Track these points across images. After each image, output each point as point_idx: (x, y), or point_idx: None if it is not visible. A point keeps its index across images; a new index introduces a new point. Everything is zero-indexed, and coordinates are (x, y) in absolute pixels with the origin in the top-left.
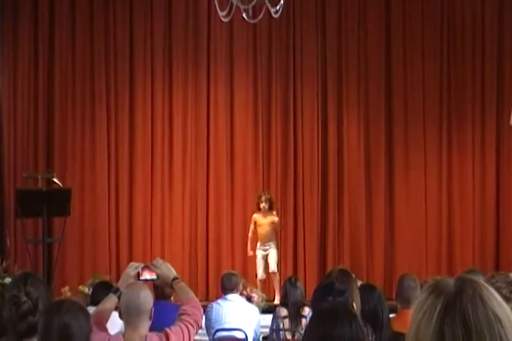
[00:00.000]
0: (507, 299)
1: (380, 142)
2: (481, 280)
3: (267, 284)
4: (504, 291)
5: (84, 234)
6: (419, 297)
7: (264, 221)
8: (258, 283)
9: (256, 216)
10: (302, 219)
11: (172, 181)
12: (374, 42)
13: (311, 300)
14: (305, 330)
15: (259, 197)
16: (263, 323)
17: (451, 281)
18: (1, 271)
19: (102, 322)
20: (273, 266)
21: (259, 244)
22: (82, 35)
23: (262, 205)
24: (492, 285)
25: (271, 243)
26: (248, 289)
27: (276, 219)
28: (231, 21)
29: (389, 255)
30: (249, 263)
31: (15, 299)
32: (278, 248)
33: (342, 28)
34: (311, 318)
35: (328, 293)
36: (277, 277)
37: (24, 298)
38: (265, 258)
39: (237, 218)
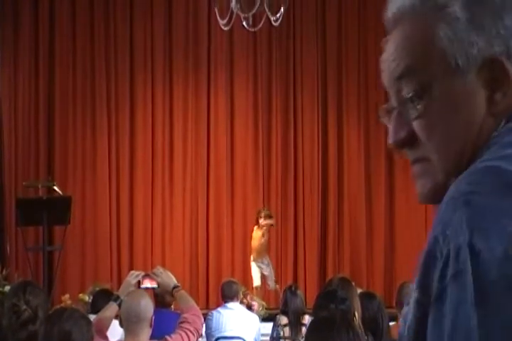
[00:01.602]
0: None
1: (380, 147)
2: None
3: (263, 291)
4: None
5: (85, 241)
6: None
7: (255, 235)
8: (254, 291)
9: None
10: (302, 226)
11: (172, 189)
12: (374, 48)
13: (312, 308)
14: (304, 338)
15: (259, 213)
16: (263, 331)
17: None
18: (1, 279)
19: (102, 330)
20: (272, 285)
21: (252, 257)
22: (83, 39)
23: (260, 221)
24: None
25: (263, 259)
26: (248, 297)
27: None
28: (231, 29)
29: (389, 262)
30: (249, 271)
31: (15, 308)
32: (270, 263)
33: (342, 36)
34: (309, 326)
35: (331, 300)
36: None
37: (24, 307)
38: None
39: (238, 226)
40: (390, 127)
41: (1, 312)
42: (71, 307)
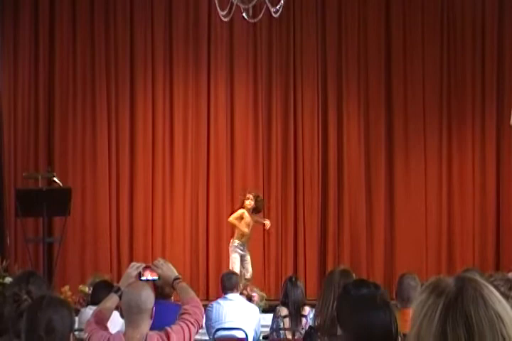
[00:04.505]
0: (506, 296)
1: (380, 141)
2: (480, 278)
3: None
4: (502, 289)
5: (85, 233)
6: (419, 297)
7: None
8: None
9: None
10: (302, 219)
11: (173, 180)
12: (374, 40)
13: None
14: (341, 317)
15: (247, 195)
16: (263, 322)
17: (451, 280)
18: (1, 271)
19: (103, 321)
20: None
21: (245, 243)
22: (83, 34)
23: (248, 202)
24: (490, 283)
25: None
26: (248, 288)
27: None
28: (231, 21)
29: (389, 254)
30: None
31: (15, 297)
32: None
33: (342, 27)
34: (346, 305)
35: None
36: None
37: (25, 296)
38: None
39: None
40: None
41: (1, 303)
42: (50, 295)
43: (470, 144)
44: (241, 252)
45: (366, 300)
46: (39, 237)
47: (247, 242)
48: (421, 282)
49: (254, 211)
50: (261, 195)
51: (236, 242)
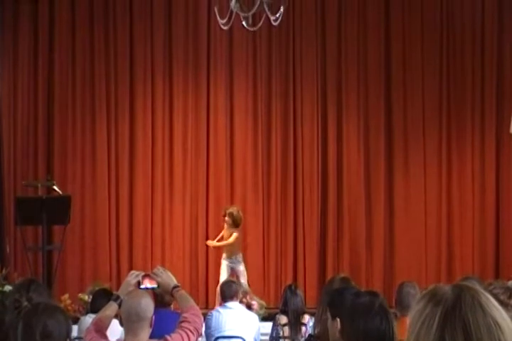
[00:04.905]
0: (505, 305)
1: (379, 148)
2: (477, 286)
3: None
4: (502, 297)
5: (84, 241)
6: (416, 306)
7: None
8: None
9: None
10: (302, 225)
11: (172, 188)
12: (374, 49)
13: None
14: (342, 323)
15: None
16: (263, 331)
17: (448, 289)
18: (0, 279)
19: (102, 330)
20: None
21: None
22: (82, 41)
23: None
24: (489, 291)
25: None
26: (248, 297)
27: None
28: (231, 29)
29: (388, 262)
30: (249, 271)
31: (16, 303)
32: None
33: (342, 36)
34: (347, 312)
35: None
36: None
37: (25, 303)
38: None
39: None
40: None
41: (1, 310)
42: (46, 302)
43: (469, 152)
44: (230, 264)
45: (364, 307)
46: (39, 245)
47: (233, 254)
48: (420, 290)
49: (232, 226)
50: (230, 211)
51: (223, 255)
